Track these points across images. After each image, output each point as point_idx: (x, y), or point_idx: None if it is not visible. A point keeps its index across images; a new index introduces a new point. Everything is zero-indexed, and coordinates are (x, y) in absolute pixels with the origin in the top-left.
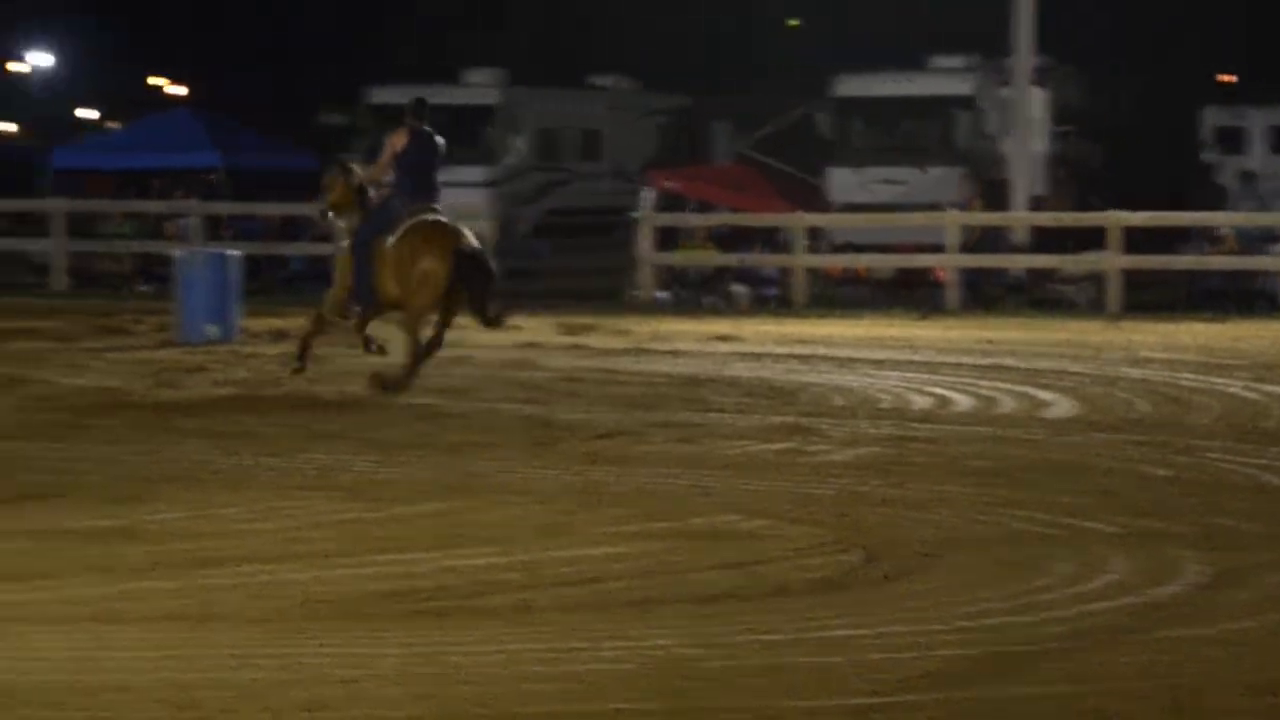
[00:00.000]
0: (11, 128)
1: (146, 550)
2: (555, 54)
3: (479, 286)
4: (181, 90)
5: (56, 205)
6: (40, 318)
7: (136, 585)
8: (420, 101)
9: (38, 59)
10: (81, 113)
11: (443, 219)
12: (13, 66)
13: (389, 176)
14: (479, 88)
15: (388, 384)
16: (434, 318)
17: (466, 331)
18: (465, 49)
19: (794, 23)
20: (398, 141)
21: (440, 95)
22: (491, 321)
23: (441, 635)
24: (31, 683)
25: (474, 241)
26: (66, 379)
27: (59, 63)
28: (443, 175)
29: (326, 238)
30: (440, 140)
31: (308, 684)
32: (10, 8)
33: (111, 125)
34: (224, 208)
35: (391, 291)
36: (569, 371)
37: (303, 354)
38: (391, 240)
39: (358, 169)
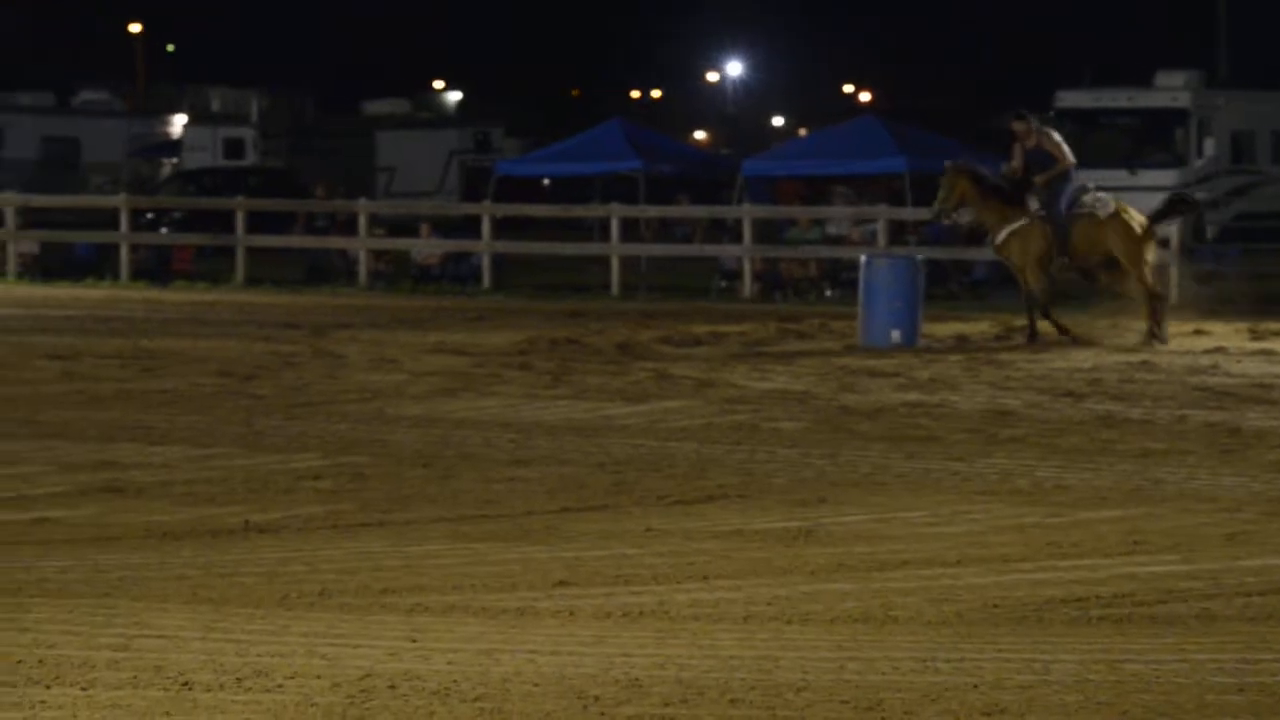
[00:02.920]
0: (704, 136)
1: (829, 552)
2: (1249, 56)
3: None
4: (867, 97)
5: (747, 211)
6: (729, 322)
7: (818, 587)
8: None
9: (732, 69)
10: (774, 121)
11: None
12: (709, 76)
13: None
14: (1171, 91)
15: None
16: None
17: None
18: (1154, 51)
19: None
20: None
21: (1130, 99)
22: None
23: (1121, 642)
24: (715, 680)
25: None
26: (753, 382)
27: (752, 72)
28: (1133, 178)
29: None
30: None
31: (986, 688)
32: (707, 20)
33: (801, 132)
34: (908, 213)
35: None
36: (1257, 377)
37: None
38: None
39: (983, 168)
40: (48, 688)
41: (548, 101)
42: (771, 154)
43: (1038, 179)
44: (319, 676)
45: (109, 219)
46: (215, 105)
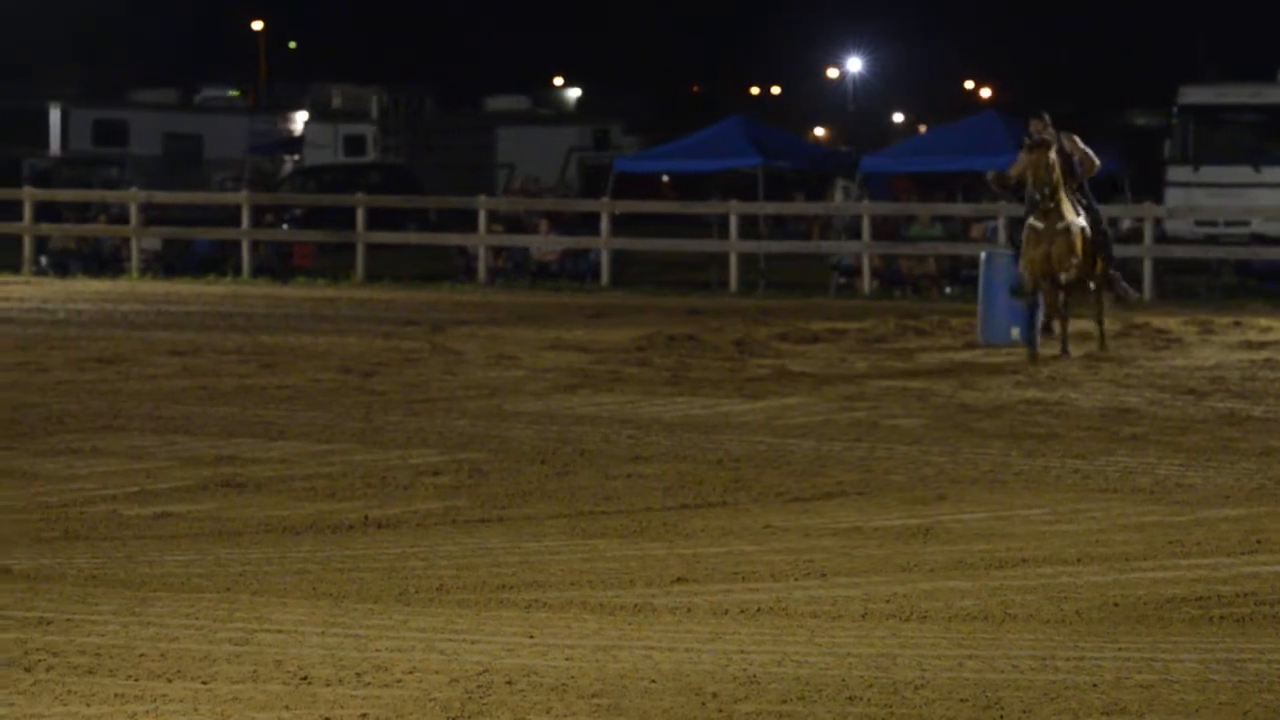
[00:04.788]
0: (823, 132)
1: (947, 550)
2: None
3: None
4: (988, 93)
5: (865, 208)
6: (848, 319)
7: (937, 584)
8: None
9: (852, 65)
10: (895, 117)
11: None
12: (830, 73)
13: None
14: None
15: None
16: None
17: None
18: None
19: None
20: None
21: (1255, 95)
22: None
23: (1243, 642)
24: (833, 678)
25: None
26: (873, 379)
27: (872, 68)
28: (1257, 175)
29: (1128, 239)
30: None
31: (1106, 687)
32: (827, 16)
33: (921, 129)
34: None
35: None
36: None
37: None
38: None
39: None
40: (169, 681)
41: (667, 98)
42: (890, 151)
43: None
44: (437, 671)
45: (231, 215)
46: (336, 102)
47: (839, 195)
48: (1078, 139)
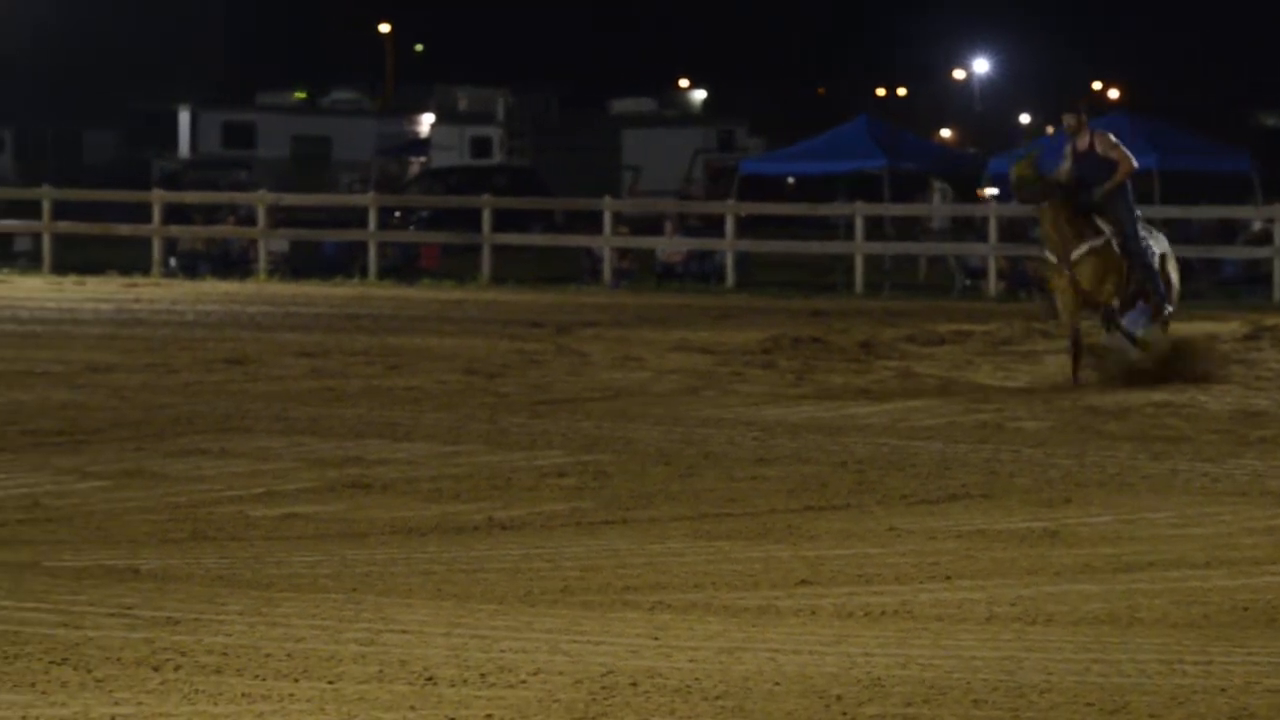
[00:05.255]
0: (950, 134)
1: (1073, 553)
2: None
3: None
4: (1116, 94)
5: (992, 210)
6: (974, 321)
7: (1062, 588)
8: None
9: (978, 66)
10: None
11: None
12: (956, 74)
13: None
14: None
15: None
16: None
17: None
18: None
19: None
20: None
21: None
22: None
23: None
24: (958, 681)
25: None
26: (996, 381)
27: (999, 69)
28: None
29: (1262, 240)
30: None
31: (1234, 692)
32: (953, 17)
33: (1049, 130)
34: (1155, 211)
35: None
36: None
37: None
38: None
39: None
40: (296, 681)
41: (792, 99)
42: (1009, 154)
43: (1099, 192)
44: (561, 673)
45: (358, 217)
46: (462, 104)
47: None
48: (1111, 136)
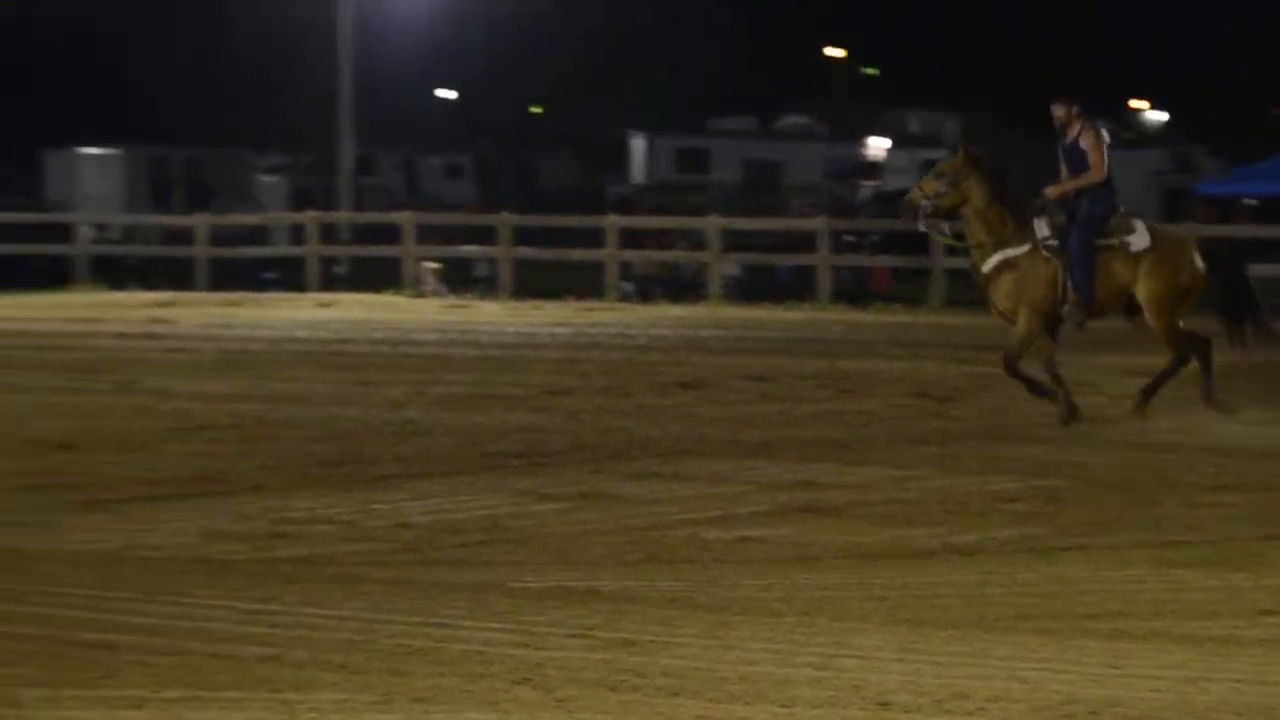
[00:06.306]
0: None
1: None
2: None
3: None
4: None
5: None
6: None
7: None
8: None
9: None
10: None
11: None
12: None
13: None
14: None
15: None
16: None
17: None
18: None
19: None
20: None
21: None
22: None
23: None
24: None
25: None
26: None
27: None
28: None
29: None
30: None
31: None
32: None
33: None
34: None
35: None
36: None
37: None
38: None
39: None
40: (749, 704)
41: (1247, 120)
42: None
43: (1048, 190)
44: (1019, 701)
45: (808, 241)
46: (914, 128)
47: None
48: (1097, 136)
